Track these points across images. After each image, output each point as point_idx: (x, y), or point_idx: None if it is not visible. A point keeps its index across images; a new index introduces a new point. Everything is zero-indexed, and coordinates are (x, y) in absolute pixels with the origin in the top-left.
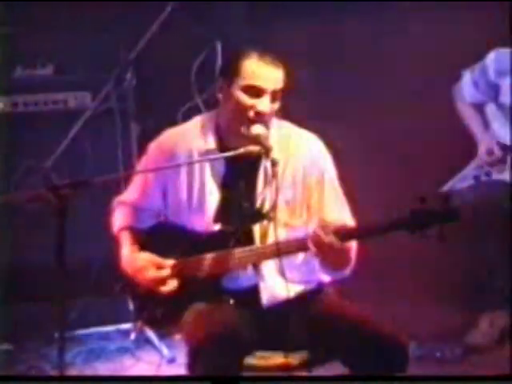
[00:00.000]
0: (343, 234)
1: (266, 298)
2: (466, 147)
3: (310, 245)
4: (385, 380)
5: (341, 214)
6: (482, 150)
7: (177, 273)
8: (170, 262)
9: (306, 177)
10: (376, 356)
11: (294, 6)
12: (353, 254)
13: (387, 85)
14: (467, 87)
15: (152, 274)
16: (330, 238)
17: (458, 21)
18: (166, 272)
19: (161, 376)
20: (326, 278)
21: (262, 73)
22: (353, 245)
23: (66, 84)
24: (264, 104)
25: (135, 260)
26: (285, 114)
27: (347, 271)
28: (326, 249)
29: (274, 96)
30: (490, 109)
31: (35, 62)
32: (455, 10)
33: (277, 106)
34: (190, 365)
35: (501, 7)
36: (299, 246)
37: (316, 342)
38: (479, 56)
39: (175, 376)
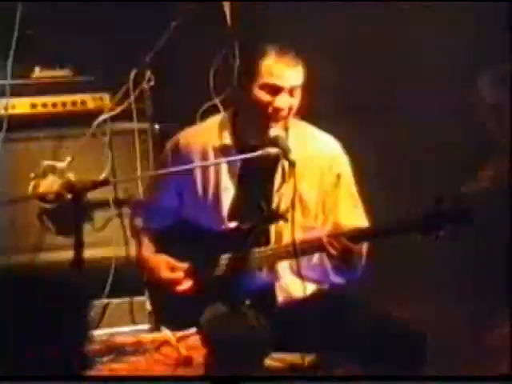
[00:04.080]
0: (355, 236)
1: (281, 298)
2: (482, 149)
3: (324, 248)
4: (385, 380)
5: (355, 216)
6: (504, 150)
7: (191, 274)
8: (184, 264)
9: (322, 178)
10: (394, 355)
11: (312, 4)
12: (363, 254)
13: (402, 86)
14: (486, 88)
15: (169, 274)
16: (342, 242)
17: (471, 21)
18: (179, 274)
19: (161, 376)
20: (336, 279)
21: (280, 71)
22: (363, 246)
23: (85, 85)
24: (282, 100)
25: (153, 259)
26: (303, 112)
27: (358, 272)
28: (339, 252)
29: (293, 93)
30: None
31: (54, 63)
32: (470, 10)
33: (296, 103)
34: (207, 365)
35: None
36: (315, 246)
37: (332, 342)
38: (495, 57)
39: (175, 376)
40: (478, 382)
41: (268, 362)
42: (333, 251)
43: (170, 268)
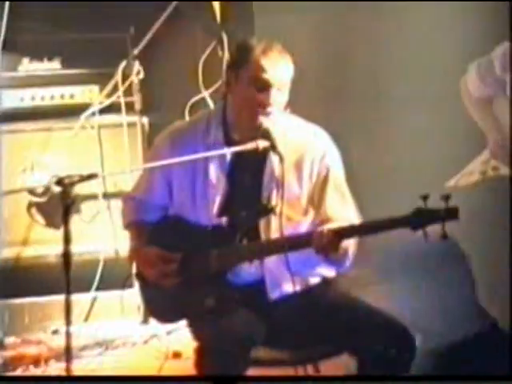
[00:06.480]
0: (344, 232)
1: (272, 292)
2: (473, 142)
3: (312, 244)
4: (385, 380)
5: (345, 211)
6: (492, 144)
7: (183, 267)
8: (177, 256)
9: (312, 172)
10: (384, 347)
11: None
12: (353, 247)
13: (393, 80)
14: (473, 82)
15: (158, 268)
16: (330, 237)
17: (464, 14)
18: (173, 266)
19: (160, 376)
20: (326, 271)
21: (270, 65)
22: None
23: (73, 77)
24: (271, 97)
25: (143, 253)
26: (292, 106)
27: (347, 264)
28: (327, 248)
29: (282, 89)
30: (498, 103)
31: (42, 56)
32: (461, 4)
33: (285, 98)
34: (197, 361)
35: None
36: (304, 241)
37: (324, 335)
38: (485, 49)
39: (175, 376)
40: (478, 381)
41: (257, 356)
42: (321, 246)
43: (162, 260)
